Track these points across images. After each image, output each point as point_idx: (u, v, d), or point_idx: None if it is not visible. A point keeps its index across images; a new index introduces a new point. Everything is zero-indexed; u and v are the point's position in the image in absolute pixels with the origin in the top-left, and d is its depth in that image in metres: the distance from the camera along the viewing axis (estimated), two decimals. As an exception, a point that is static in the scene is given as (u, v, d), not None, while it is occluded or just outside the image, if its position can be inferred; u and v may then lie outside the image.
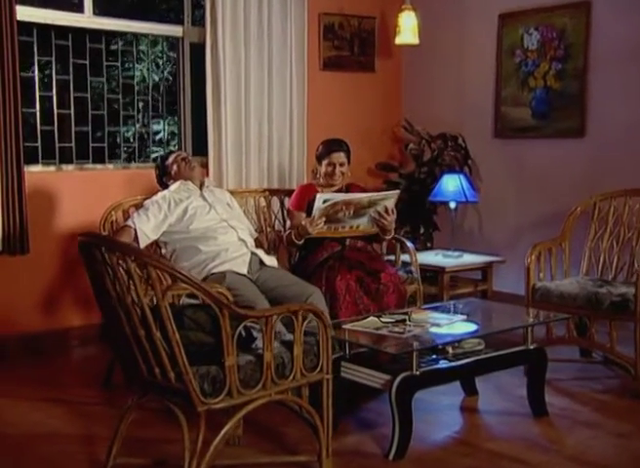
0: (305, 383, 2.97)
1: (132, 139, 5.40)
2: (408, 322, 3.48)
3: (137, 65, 5.40)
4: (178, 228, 4.11)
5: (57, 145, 5.02)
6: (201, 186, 4.33)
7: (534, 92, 5.62)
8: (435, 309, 3.84)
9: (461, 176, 5.20)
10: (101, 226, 4.14)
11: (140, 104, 5.48)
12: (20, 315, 4.64)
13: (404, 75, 6.39)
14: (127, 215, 4.23)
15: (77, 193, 4.81)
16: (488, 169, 5.90)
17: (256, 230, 4.63)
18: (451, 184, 5.16)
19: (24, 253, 4.54)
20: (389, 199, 4.13)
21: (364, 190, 4.53)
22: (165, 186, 4.34)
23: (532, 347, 3.61)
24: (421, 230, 5.82)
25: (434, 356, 3.44)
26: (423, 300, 4.58)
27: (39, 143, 4.95)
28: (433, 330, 3.43)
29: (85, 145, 5.15)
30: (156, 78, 5.94)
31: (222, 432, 2.73)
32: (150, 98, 5.49)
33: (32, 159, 4.88)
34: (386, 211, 4.14)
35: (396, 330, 3.39)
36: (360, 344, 3.38)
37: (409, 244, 4.66)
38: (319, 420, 2.97)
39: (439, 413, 3.73)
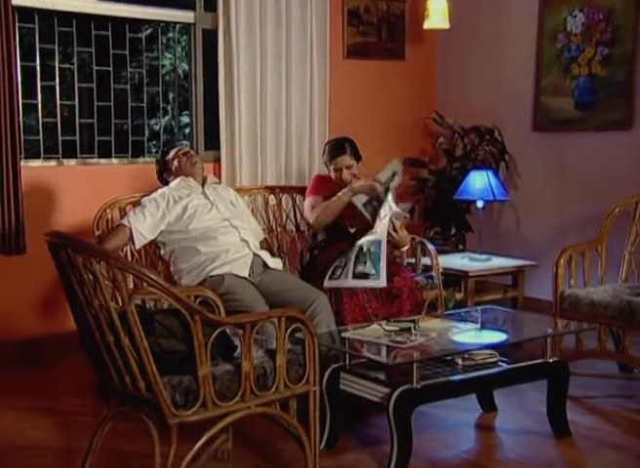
0: (290, 396, 2.96)
1: (139, 133, 5.44)
2: (413, 330, 3.45)
3: (147, 54, 5.41)
4: (176, 228, 4.14)
5: (59, 139, 5.09)
6: (203, 183, 4.35)
7: (577, 80, 5.53)
8: (448, 317, 3.80)
9: (490, 173, 5.13)
10: (95, 225, 4.18)
11: (149, 97, 5.52)
12: (16, 318, 4.72)
13: (438, 63, 6.32)
14: (124, 214, 4.27)
15: (78, 189, 4.87)
16: (526, 165, 5.83)
17: (264, 230, 4.64)
18: (478, 182, 5.10)
19: (21, 254, 4.62)
20: (397, 219, 4.15)
21: None
22: (165, 183, 4.38)
23: (551, 360, 3.54)
24: (452, 231, 5.76)
25: (442, 368, 3.39)
26: (447, 307, 4.55)
27: (41, 137, 5.02)
28: (439, 339, 3.38)
29: (91, 139, 5.23)
30: (168, 66, 5.98)
31: (196, 447, 2.73)
32: (160, 90, 5.53)
33: (34, 153, 4.96)
34: (394, 229, 4.17)
35: (398, 339, 3.36)
36: (353, 354, 3.35)
37: (430, 246, 4.63)
38: (305, 436, 2.96)
39: (451, 430, 3.69)
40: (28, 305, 4.80)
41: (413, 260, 4.75)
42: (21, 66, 4.78)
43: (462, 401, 3.83)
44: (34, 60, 4.98)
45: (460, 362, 3.44)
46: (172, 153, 4.39)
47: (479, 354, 3.49)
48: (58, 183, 4.85)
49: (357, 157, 4.47)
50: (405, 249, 4.40)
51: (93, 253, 2.62)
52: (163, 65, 5.71)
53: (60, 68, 5.07)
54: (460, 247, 5.84)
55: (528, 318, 4.00)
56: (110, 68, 5.22)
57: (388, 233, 4.14)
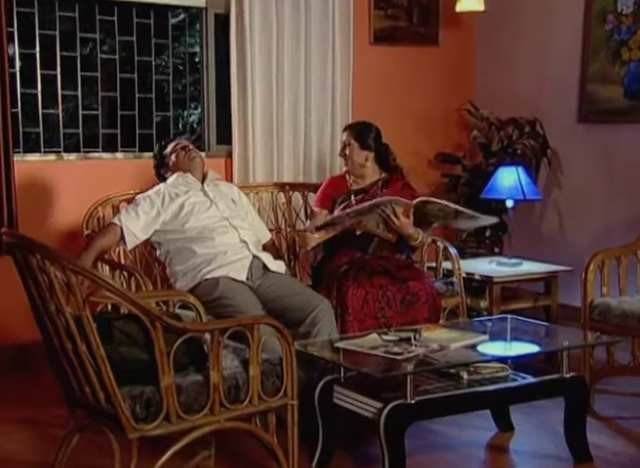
0: (265, 410, 2.97)
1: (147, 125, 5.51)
2: (413, 341, 3.43)
3: (155, 40, 5.46)
4: (172, 227, 4.18)
5: (61, 131, 5.19)
6: (203, 179, 4.38)
7: (627, 65, 5.44)
8: (456, 327, 3.78)
9: (520, 170, 5.07)
10: (85, 224, 4.25)
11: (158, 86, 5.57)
12: (10, 323, 4.80)
13: (476, 48, 6.27)
14: (117, 212, 4.32)
15: (78, 186, 4.92)
16: (570, 160, 5.74)
17: (272, 231, 4.66)
18: (506, 179, 5.05)
19: (14, 254, 4.70)
20: (398, 205, 4.13)
21: (407, 187, 4.50)
22: (163, 179, 4.42)
23: (568, 375, 3.49)
24: (487, 233, 5.70)
25: (445, 383, 3.37)
26: (470, 316, 4.52)
27: (40, 129, 5.11)
28: (440, 351, 3.36)
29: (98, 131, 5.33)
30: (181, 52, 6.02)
31: (159, 464, 2.76)
32: (171, 80, 5.58)
33: (35, 146, 5.07)
34: (395, 214, 4.14)
35: (395, 350, 3.34)
36: (340, 364, 3.36)
37: (451, 249, 4.60)
38: (282, 454, 2.97)
39: (459, 451, 3.67)
40: (22, 310, 4.87)
41: (434, 264, 4.71)
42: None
43: (477, 418, 3.82)
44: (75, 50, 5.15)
45: (465, 376, 3.42)
46: (170, 147, 4.44)
47: (487, 368, 3.47)
48: (56, 179, 4.91)
49: (362, 142, 4.45)
50: (416, 243, 4.31)
51: (45, 254, 2.65)
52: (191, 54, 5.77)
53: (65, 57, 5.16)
54: (496, 250, 5.77)
55: (549, 329, 3.94)
56: (117, 57, 5.29)
57: (387, 217, 4.15)
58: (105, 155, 5.24)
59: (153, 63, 5.49)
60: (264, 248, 4.45)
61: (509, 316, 3.89)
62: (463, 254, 5.73)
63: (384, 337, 3.50)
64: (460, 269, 4.55)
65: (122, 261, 4.25)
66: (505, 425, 3.84)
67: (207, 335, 3.15)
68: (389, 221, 4.16)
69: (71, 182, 4.96)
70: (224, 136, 5.45)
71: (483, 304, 4.84)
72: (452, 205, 4.18)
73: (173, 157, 4.39)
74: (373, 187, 4.46)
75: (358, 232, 4.30)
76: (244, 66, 5.26)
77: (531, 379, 3.47)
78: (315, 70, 5.50)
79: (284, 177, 5.38)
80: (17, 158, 4.78)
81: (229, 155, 5.37)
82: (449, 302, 4.46)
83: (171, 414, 2.74)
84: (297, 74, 5.45)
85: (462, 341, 3.47)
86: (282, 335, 2.95)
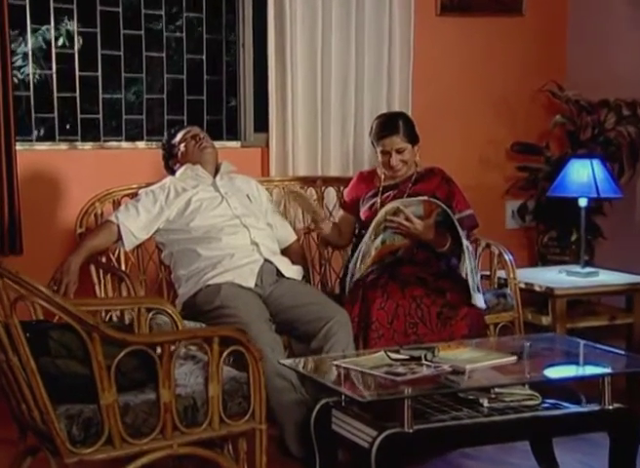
0: (228, 434, 3.02)
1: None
2: (424, 360, 3.42)
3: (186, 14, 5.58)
4: (176, 226, 4.29)
5: (78, 117, 5.33)
6: (216, 172, 4.45)
7: None
8: (484, 346, 3.78)
9: (596, 162, 4.96)
10: (79, 222, 4.36)
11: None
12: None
13: (569, 19, 6.16)
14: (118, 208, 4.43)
15: (88, 178, 5.03)
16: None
17: (299, 232, 4.70)
18: (579, 174, 4.95)
19: (17, 254, 4.87)
20: (411, 207, 4.20)
21: (445, 183, 4.48)
22: (172, 172, 4.52)
23: (611, 407, 3.41)
24: (574, 237, 5.59)
25: (461, 410, 3.35)
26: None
27: (55, 114, 5.27)
28: (453, 372, 3.35)
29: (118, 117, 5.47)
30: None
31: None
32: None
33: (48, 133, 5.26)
34: (408, 219, 4.18)
35: (398, 370, 3.34)
36: (323, 383, 3.38)
37: (506, 255, 4.56)
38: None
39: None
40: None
41: (487, 273, 4.67)
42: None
43: (517, 452, 3.78)
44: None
45: (485, 403, 3.39)
46: (179, 136, 4.54)
47: (514, 394, 3.43)
48: (64, 171, 5.02)
49: (412, 139, 4.46)
50: (445, 250, 4.32)
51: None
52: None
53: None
54: (586, 258, 5.64)
55: (596, 352, 3.83)
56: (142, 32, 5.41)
57: (398, 226, 4.18)
58: (125, 144, 5.33)
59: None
60: (288, 251, 4.51)
61: (554, 334, 3.83)
62: (545, 262, 5.66)
63: (393, 356, 3.50)
64: (515, 278, 4.50)
65: (122, 264, 4.35)
66: (548, 461, 3.78)
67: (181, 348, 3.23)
68: (403, 230, 4.19)
69: (84, 174, 5.06)
70: (264, 122, 5.47)
71: (546, 321, 4.75)
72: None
73: (182, 147, 4.49)
74: (405, 182, 4.46)
75: (400, 252, 4.34)
76: (283, 41, 5.25)
77: (563, 410, 3.42)
78: (369, 47, 5.46)
79: (330, 171, 5.37)
80: (21, 147, 4.92)
81: (268, 144, 5.40)
82: (501, 317, 4.43)
83: (114, 437, 2.81)
84: (346, 50, 5.42)
85: (482, 362, 3.44)
86: (248, 351, 2.97)
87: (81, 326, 2.75)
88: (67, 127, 5.47)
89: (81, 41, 5.37)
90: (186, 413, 2.93)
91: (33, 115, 5.24)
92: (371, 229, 4.20)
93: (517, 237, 6.10)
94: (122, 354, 2.81)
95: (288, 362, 3.63)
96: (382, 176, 4.54)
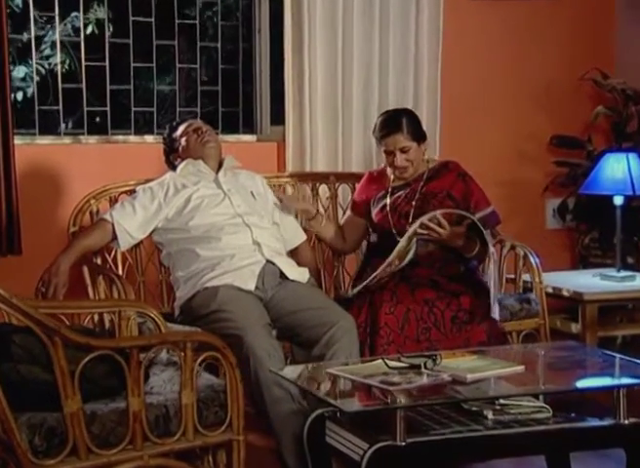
0: (204, 445, 3.05)
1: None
2: (424, 369, 3.43)
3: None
4: (175, 224, 4.32)
5: (85, 109, 5.39)
6: (219, 168, 4.49)
7: None
8: (491, 354, 3.79)
9: (631, 156, 4.92)
10: (72, 220, 4.41)
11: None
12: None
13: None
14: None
15: (91, 174, 5.09)
16: None
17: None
18: (613, 169, 4.91)
19: (15, 254, 4.94)
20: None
21: (461, 179, 4.48)
22: (174, 167, 4.56)
23: (627, 422, 3.39)
24: (615, 238, 5.54)
25: (464, 423, 3.36)
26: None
27: (60, 107, 5.35)
28: (451, 382, 3.35)
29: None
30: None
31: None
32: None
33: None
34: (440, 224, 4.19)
35: (394, 379, 3.34)
36: (308, 391, 3.42)
37: (532, 258, 4.54)
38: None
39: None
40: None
41: (512, 276, 4.66)
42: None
43: (533, 466, 3.78)
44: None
45: (490, 416, 3.38)
46: (180, 129, 4.57)
47: (521, 407, 3.42)
48: (66, 166, 5.09)
49: (417, 137, 4.46)
50: (473, 255, 4.33)
51: None
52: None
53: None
54: (630, 260, 5.60)
55: (621, 362, 3.80)
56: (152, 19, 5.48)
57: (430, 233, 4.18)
58: (133, 138, 5.39)
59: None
60: (297, 252, 4.53)
61: (573, 343, 3.82)
62: (586, 265, 5.63)
63: (391, 364, 3.50)
64: (541, 282, 4.48)
65: (119, 265, 4.40)
66: (564, 479, 3.76)
67: (163, 353, 3.27)
68: (434, 237, 4.20)
69: (88, 170, 5.12)
70: (282, 114, 5.49)
71: (575, 329, 4.73)
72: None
73: (183, 141, 4.52)
74: (417, 181, 4.47)
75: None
76: (300, 24, 5.27)
77: (573, 424, 3.40)
78: (394, 32, 5.47)
79: (352, 167, 5.37)
80: (21, 141, 5.00)
81: (285, 138, 5.41)
82: (524, 324, 4.42)
83: (79, 448, 2.85)
84: (369, 36, 5.42)
85: (485, 372, 3.43)
86: (224, 357, 3.00)
87: (42, 329, 2.79)
88: (97, 120, 5.58)
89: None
90: (158, 423, 2.97)
91: (61, 108, 5.32)
92: (394, 257, 4.21)
93: (559, 238, 6.07)
94: (86, 359, 2.86)
95: (279, 369, 3.65)
96: (392, 177, 4.54)
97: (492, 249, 4.23)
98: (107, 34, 5.44)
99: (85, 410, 2.88)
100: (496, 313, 4.16)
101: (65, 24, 5.78)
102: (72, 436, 2.84)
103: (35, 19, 5.23)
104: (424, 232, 4.18)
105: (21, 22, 5.31)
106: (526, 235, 5.49)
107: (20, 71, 5.88)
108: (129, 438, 2.91)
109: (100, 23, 5.50)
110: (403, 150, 4.42)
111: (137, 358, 2.90)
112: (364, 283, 4.23)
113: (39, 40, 5.63)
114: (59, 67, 5.38)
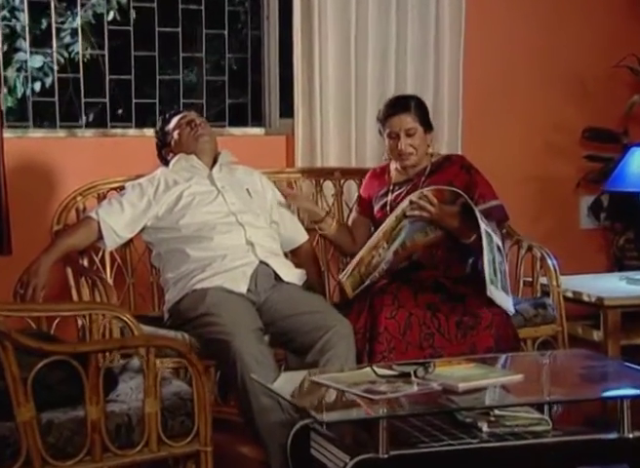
0: (169, 456, 3.07)
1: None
2: (414, 377, 3.43)
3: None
4: (165, 223, 4.35)
5: (82, 101, 5.44)
6: (213, 163, 4.51)
7: None
8: (489, 362, 3.77)
9: (659, 151, 4.90)
10: (56, 218, 4.46)
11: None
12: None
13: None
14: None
15: (85, 170, 5.13)
16: None
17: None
18: (639, 165, 4.87)
19: (5, 255, 4.99)
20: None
21: (465, 171, 4.48)
22: (166, 163, 4.59)
23: (631, 436, 3.37)
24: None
25: (458, 436, 3.36)
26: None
27: (56, 98, 5.40)
28: (441, 392, 3.36)
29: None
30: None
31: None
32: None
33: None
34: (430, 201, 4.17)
35: (381, 388, 3.36)
36: (284, 399, 3.45)
37: (549, 260, 4.52)
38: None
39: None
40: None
41: (529, 279, 4.65)
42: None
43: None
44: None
45: (484, 428, 3.38)
46: (173, 122, 4.59)
47: (518, 419, 3.42)
48: (58, 162, 5.12)
49: (424, 122, 4.48)
50: (471, 241, 4.31)
51: None
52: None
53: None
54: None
55: (632, 373, 3.78)
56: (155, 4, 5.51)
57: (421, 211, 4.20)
58: (132, 131, 5.43)
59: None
60: (298, 252, 4.55)
61: (582, 351, 3.79)
62: (622, 267, 5.59)
63: (379, 371, 3.51)
64: (559, 286, 4.45)
65: (107, 265, 4.45)
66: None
67: (135, 360, 3.30)
68: (425, 216, 4.18)
69: (82, 165, 5.16)
70: (290, 106, 5.50)
71: (597, 336, 4.70)
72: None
73: (175, 134, 4.54)
74: (419, 175, 4.49)
75: (415, 256, 4.37)
76: (309, 10, 5.28)
77: (573, 438, 3.39)
78: (412, 16, 5.46)
79: (366, 163, 5.36)
80: (12, 134, 5.05)
81: (294, 132, 5.42)
82: (540, 331, 4.40)
83: (33, 458, 2.88)
84: (385, 22, 5.42)
85: (479, 381, 3.43)
86: (191, 364, 3.02)
87: (-10, 333, 2.83)
88: (119, 112, 5.64)
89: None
90: (119, 433, 2.99)
91: (83, 99, 5.40)
92: (379, 237, 4.23)
93: (595, 238, 6.03)
94: (40, 365, 2.89)
95: (264, 377, 3.66)
96: (394, 173, 4.56)
97: (483, 226, 4.19)
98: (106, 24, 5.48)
99: (41, 419, 2.92)
100: (502, 299, 4.15)
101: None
102: (26, 446, 2.87)
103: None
104: (415, 213, 4.17)
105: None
106: (558, 235, 5.51)
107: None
108: (87, 448, 2.94)
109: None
110: (408, 133, 4.42)
111: (95, 364, 2.92)
112: (364, 283, 4.23)
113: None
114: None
